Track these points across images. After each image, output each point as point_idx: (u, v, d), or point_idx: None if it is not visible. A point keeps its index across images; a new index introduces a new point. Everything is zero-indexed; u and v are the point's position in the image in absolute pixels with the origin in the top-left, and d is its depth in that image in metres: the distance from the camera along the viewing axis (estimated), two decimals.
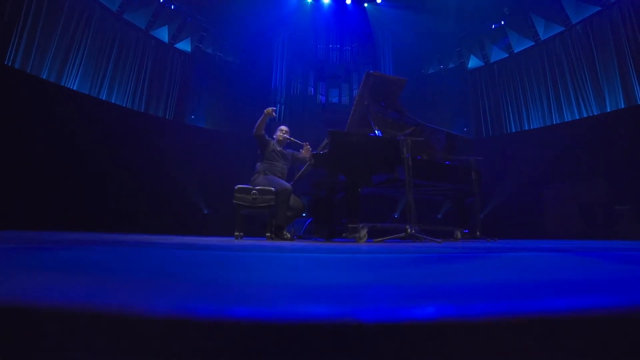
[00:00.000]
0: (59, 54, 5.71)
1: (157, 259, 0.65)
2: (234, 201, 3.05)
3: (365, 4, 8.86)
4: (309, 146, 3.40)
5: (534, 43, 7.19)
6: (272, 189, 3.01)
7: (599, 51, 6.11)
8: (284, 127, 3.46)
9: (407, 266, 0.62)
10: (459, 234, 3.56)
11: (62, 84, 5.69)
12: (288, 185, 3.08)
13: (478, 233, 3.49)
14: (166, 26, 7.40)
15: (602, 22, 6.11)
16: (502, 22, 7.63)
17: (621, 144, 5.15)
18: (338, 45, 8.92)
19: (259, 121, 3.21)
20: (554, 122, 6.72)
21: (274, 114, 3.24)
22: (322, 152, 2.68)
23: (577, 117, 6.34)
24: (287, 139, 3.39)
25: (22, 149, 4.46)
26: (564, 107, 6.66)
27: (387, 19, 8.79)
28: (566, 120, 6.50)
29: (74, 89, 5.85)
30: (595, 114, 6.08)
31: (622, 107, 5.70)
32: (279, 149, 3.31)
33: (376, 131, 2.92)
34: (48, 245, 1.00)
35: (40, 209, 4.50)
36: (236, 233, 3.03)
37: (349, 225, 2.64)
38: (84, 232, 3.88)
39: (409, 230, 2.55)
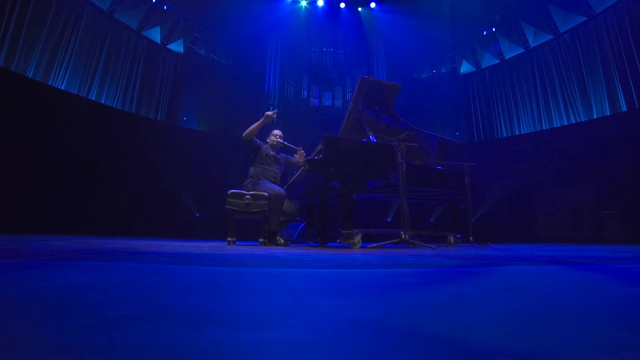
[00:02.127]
0: (46, 53, 5.57)
1: (148, 282, 0.62)
2: (227, 206, 3.00)
3: (359, 9, 8.92)
4: (302, 151, 3.38)
5: (524, 50, 7.35)
6: (266, 193, 2.97)
7: (585, 59, 6.28)
8: (277, 131, 3.43)
9: (413, 290, 0.60)
10: (452, 239, 3.58)
11: (50, 84, 5.54)
12: (281, 190, 3.05)
13: (471, 238, 3.52)
14: (158, 27, 7.31)
15: (588, 32, 6.28)
16: (494, 29, 7.78)
17: (607, 149, 5.28)
18: (332, 49, 8.95)
19: (254, 125, 3.16)
20: (544, 128, 6.86)
21: (274, 116, 3.22)
22: (316, 157, 2.66)
23: (566, 123, 6.49)
24: (281, 143, 3.36)
25: (6, 150, 4.31)
26: (553, 113, 6.81)
27: (380, 23, 8.87)
28: (555, 126, 6.65)
29: (62, 88, 5.71)
30: (582, 120, 6.23)
31: (608, 114, 5.86)
32: (272, 153, 3.28)
33: (370, 136, 2.91)
34: (29, 260, 0.95)
35: (29, 212, 4.35)
36: (229, 238, 2.98)
37: (344, 232, 2.62)
38: (74, 236, 3.77)
39: (403, 236, 2.55)
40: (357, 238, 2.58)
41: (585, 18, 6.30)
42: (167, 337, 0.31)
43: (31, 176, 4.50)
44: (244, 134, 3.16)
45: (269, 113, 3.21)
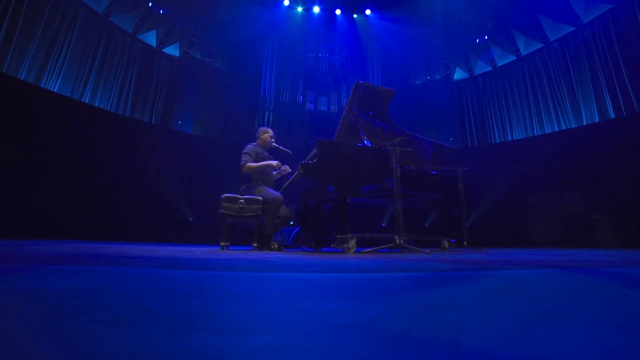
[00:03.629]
0: (39, 54, 5.51)
1: (131, 285, 0.60)
2: (221, 210, 2.98)
3: (355, 15, 9.03)
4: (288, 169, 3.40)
5: (515, 58, 7.49)
6: (260, 197, 2.96)
7: (574, 67, 6.43)
8: (270, 131, 3.41)
9: (406, 293, 0.59)
10: (446, 244, 3.58)
11: (42, 86, 5.47)
12: (279, 195, 3.03)
13: (465, 243, 3.53)
14: (154, 30, 7.30)
15: (576, 41, 6.44)
16: (486, 37, 7.93)
17: (597, 155, 5.37)
18: (327, 55, 9.02)
19: (257, 165, 3.07)
20: (535, 134, 6.97)
21: (288, 169, 3.26)
22: (310, 161, 2.66)
23: (557, 129, 6.61)
24: (275, 146, 3.36)
25: None
26: (544, 120, 6.93)
27: (375, 30, 8.99)
28: (546, 132, 6.76)
29: (55, 90, 5.64)
30: (572, 126, 6.35)
31: (597, 120, 5.98)
32: (265, 154, 3.27)
33: (365, 141, 2.93)
34: (9, 265, 0.92)
35: (20, 216, 4.25)
36: (222, 243, 2.95)
37: (338, 236, 2.61)
38: (64, 240, 3.69)
39: (397, 240, 2.54)
40: (352, 242, 2.57)
41: (574, 28, 6.46)
42: (145, 341, 0.30)
43: (21, 179, 4.41)
44: (244, 169, 3.06)
45: (283, 168, 3.24)
